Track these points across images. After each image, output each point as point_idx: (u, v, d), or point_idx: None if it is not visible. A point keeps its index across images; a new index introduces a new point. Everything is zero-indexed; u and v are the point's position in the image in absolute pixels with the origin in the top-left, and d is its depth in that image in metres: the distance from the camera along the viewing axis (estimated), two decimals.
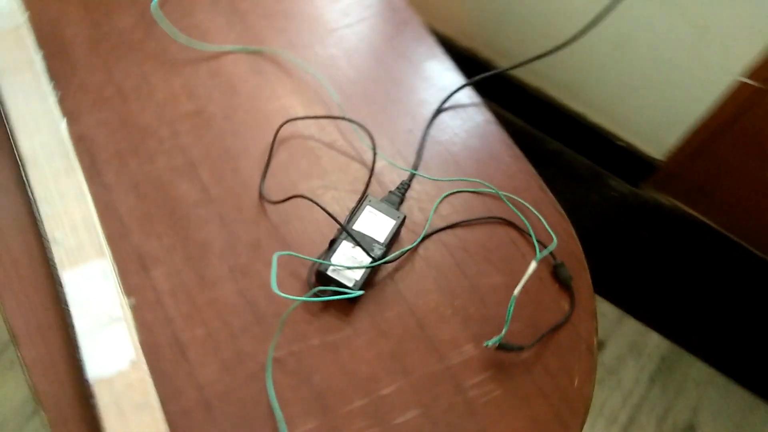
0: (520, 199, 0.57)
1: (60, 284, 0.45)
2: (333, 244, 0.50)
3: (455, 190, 0.57)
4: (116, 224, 0.51)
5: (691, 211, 1.16)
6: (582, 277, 0.55)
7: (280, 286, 0.50)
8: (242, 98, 0.59)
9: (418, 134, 0.60)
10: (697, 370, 1.07)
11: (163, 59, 0.60)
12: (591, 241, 1.20)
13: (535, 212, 0.57)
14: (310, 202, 0.53)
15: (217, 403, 0.45)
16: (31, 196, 0.49)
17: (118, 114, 0.56)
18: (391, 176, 0.57)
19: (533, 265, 0.50)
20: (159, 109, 0.57)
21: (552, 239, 0.55)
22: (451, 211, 0.56)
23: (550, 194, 0.59)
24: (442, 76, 0.65)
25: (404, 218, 0.53)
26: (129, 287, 0.48)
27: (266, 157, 0.56)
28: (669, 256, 1.16)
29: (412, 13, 0.69)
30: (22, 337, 0.45)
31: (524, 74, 1.20)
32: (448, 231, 0.55)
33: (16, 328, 0.45)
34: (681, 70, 0.98)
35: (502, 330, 0.48)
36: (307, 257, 0.50)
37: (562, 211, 0.59)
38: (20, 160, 0.50)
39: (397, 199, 0.55)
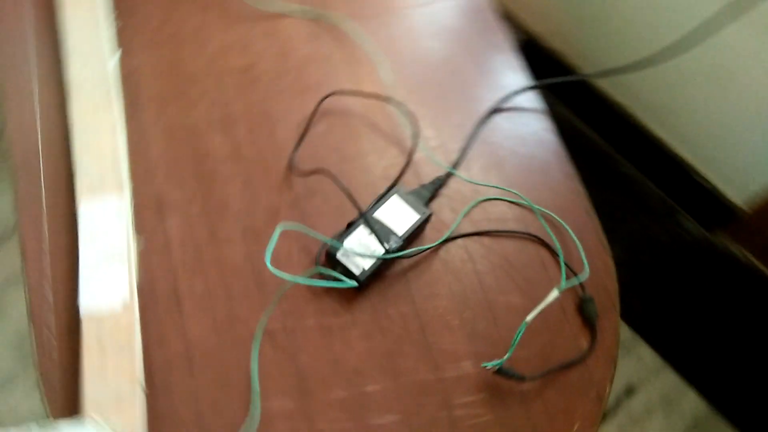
0: (560, 220, 0.54)
1: (76, 212, 0.46)
2: (350, 227, 0.49)
3: (492, 197, 0.55)
4: (143, 165, 0.52)
5: (766, 271, 1.07)
6: (610, 318, 0.51)
7: (288, 259, 0.49)
8: (293, 62, 0.59)
9: (467, 131, 0.58)
10: None
11: (223, 11, 0.60)
12: (645, 279, 1.13)
13: (574, 237, 0.53)
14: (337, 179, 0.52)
15: (200, 361, 0.45)
16: (69, 122, 0.50)
17: (169, 57, 0.57)
18: (428, 169, 0.55)
19: (554, 293, 0.47)
20: (209, 60, 0.57)
21: (584, 269, 0.52)
22: (483, 218, 0.54)
23: (596, 221, 0.56)
24: (507, 74, 0.62)
25: (430, 215, 0.51)
26: (141, 228, 0.49)
27: (304, 127, 0.55)
28: (730, 314, 1.08)
29: (490, 2, 0.66)
30: (30, 254, 0.46)
31: (610, 87, 1.13)
32: (475, 238, 0.53)
33: (27, 246, 0.47)
34: None
35: (506, 353, 0.46)
36: (317, 234, 0.49)
37: (606, 243, 0.55)
38: (66, 85, 0.52)
39: (427, 194, 0.53)
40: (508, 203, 0.55)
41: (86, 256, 0.44)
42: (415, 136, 0.56)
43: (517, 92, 0.60)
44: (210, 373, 0.44)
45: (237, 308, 0.47)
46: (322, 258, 0.49)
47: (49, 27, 0.56)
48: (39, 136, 0.51)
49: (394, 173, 0.54)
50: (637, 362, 1.03)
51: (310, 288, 0.48)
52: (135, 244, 0.47)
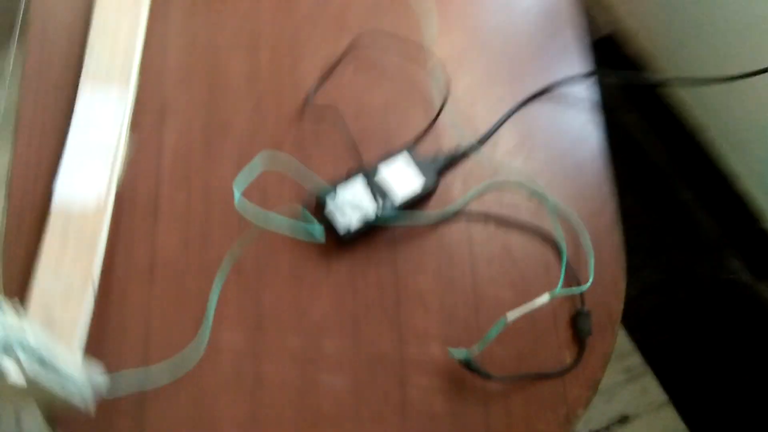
0: (578, 222, 0.50)
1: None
2: (348, 179, 0.46)
3: (510, 182, 0.51)
4: (155, 67, 0.50)
5: None
6: (604, 339, 0.48)
7: (278, 197, 0.47)
8: None
9: (505, 107, 0.54)
10: None
11: None
12: (674, 312, 1.06)
13: (588, 244, 0.49)
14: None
15: (162, 278, 0.44)
16: (92, 6, 0.49)
17: None
18: (450, 139, 0.52)
19: (545, 297, 0.44)
20: None
21: (588, 281, 0.48)
22: (494, 203, 0.50)
23: (619, 235, 0.51)
24: (566, 58, 0.57)
25: (436, 188, 0.48)
26: (137, 130, 0.48)
27: (330, 66, 0.52)
28: (755, 371, 1.01)
29: None
30: (22, 131, 0.46)
31: (686, 100, 1.05)
32: (480, 221, 0.49)
33: (22, 120, 0.46)
34: None
35: (477, 345, 0.43)
36: (307, 171, 0.47)
37: (623, 261, 0.51)
38: None
39: (441, 163, 0.49)
40: (526, 193, 0.51)
41: (73, 144, 0.44)
42: (445, 99, 0.52)
43: (570, 79, 0.55)
44: (169, 291, 0.43)
45: (213, 233, 0.46)
46: (312, 204, 0.47)
47: None
48: (59, 13, 0.50)
49: (412, 132, 0.51)
50: (640, 393, 0.98)
51: (302, 235, 0.46)
52: (126, 145, 0.46)
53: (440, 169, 0.49)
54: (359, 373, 0.43)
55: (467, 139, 0.51)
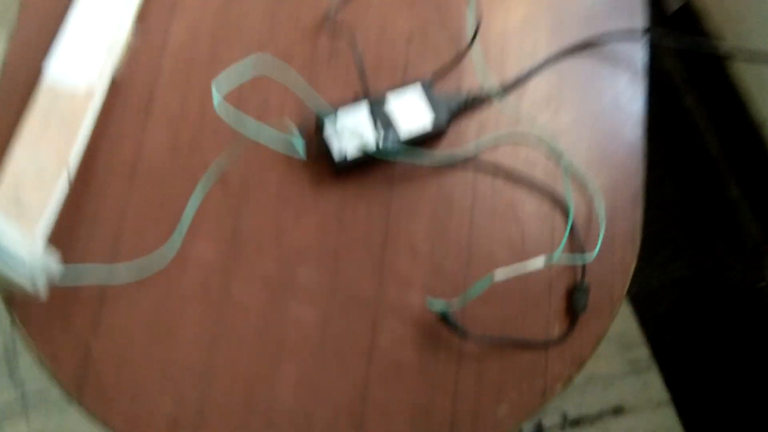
0: (595, 190, 0.46)
1: None
2: (353, 104, 0.44)
3: (530, 134, 0.47)
4: None
5: None
6: (599, 320, 0.45)
7: (278, 110, 0.45)
8: None
9: (541, 55, 0.50)
10: None
11: None
12: (696, 311, 1.02)
13: (600, 214, 0.46)
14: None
15: (143, 177, 0.42)
16: None
17: None
18: (473, 79, 0.48)
19: (539, 261, 0.41)
20: None
21: (593, 253, 0.45)
22: (508, 156, 0.47)
23: (640, 213, 0.48)
24: (621, 8, 0.52)
25: (446, 129, 0.45)
26: (144, 18, 0.45)
27: None
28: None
29: None
30: (24, 12, 0.44)
31: (756, 94, 0.97)
32: (488, 174, 0.46)
33: (25, 3, 0.45)
34: None
35: (458, 300, 0.41)
36: (298, 86, 0.44)
37: (638, 242, 0.47)
38: None
39: (456, 105, 0.46)
40: (544, 151, 0.47)
41: (73, 25, 0.42)
42: (474, 37, 0.48)
43: (620, 33, 0.50)
44: (149, 192, 0.42)
45: (204, 138, 0.44)
46: (311, 126, 0.44)
47: None
48: None
49: (433, 67, 0.48)
50: (641, 387, 0.95)
51: (286, 150, 0.44)
52: (129, 34, 0.44)
53: (455, 110, 0.46)
54: (331, 309, 0.42)
55: (491, 84, 0.48)
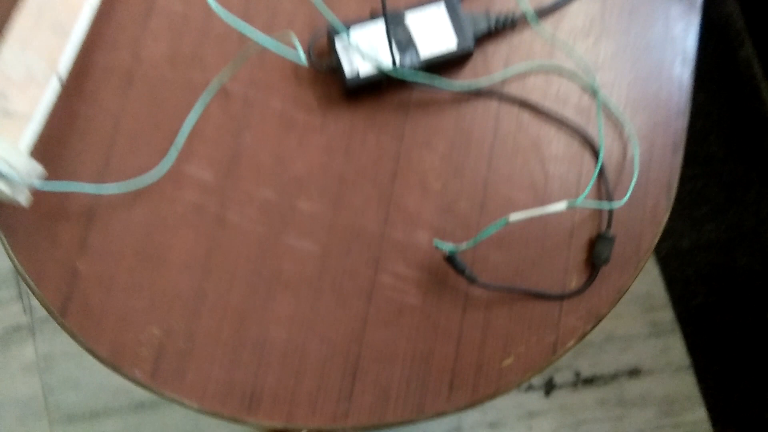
0: (631, 132, 0.43)
1: None
2: (370, 18, 0.40)
3: (564, 67, 0.43)
4: None
5: None
6: (621, 274, 0.42)
7: (289, 22, 0.41)
8: None
9: None
10: None
11: None
12: (729, 279, 0.98)
13: (635, 158, 0.42)
14: None
15: (139, 86, 0.40)
16: None
17: None
18: (509, 2, 0.44)
19: (561, 205, 0.38)
20: None
21: (623, 199, 0.41)
22: (537, 89, 0.43)
23: (677, 163, 0.44)
24: None
25: (470, 53, 0.41)
26: None
27: None
28: None
29: None
30: None
31: None
32: (514, 106, 0.43)
33: None
34: None
35: (467, 242, 0.38)
36: (326, 12, 0.40)
37: (673, 193, 0.44)
38: None
39: (485, 27, 0.42)
40: (578, 86, 0.43)
41: None
42: None
43: None
44: (143, 103, 0.40)
45: (206, 49, 0.41)
46: (322, 41, 0.41)
47: None
48: None
49: None
50: (661, 350, 0.92)
51: (293, 67, 0.41)
52: None
53: (481, 33, 0.42)
54: (331, 242, 0.39)
55: (526, 6, 0.43)
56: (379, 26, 0.40)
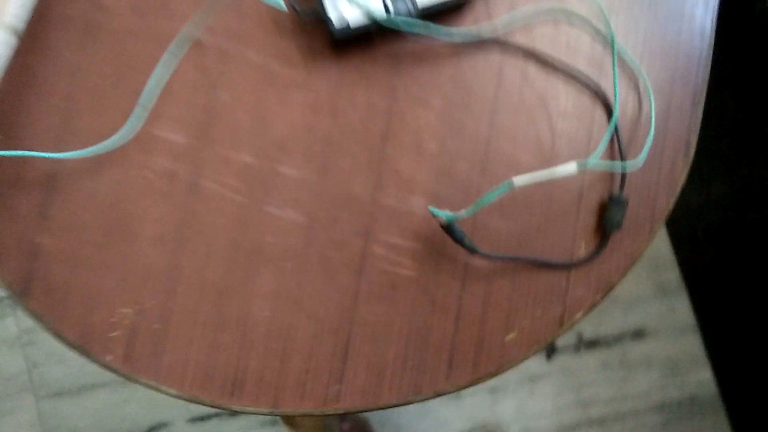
0: (647, 86, 0.39)
1: None
2: None
3: (574, 12, 0.39)
4: None
5: None
6: (635, 240, 0.39)
7: None
8: None
9: None
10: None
11: None
12: (738, 236, 0.95)
13: (651, 114, 0.39)
14: None
15: (101, 36, 0.36)
16: None
17: None
18: None
19: (571, 167, 0.35)
20: None
21: (638, 160, 0.38)
22: (544, 38, 0.39)
23: (695, 121, 0.40)
24: None
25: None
26: None
27: None
28: None
29: None
30: None
31: None
32: (519, 58, 0.39)
33: None
34: None
35: (467, 209, 0.35)
36: None
37: (691, 154, 0.40)
38: None
39: None
40: (590, 34, 0.39)
41: None
42: None
43: None
44: (107, 58, 0.36)
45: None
46: None
47: None
48: None
49: None
50: (667, 311, 0.91)
51: (273, 15, 0.37)
52: None
53: None
54: (318, 211, 0.36)
55: None
56: None
